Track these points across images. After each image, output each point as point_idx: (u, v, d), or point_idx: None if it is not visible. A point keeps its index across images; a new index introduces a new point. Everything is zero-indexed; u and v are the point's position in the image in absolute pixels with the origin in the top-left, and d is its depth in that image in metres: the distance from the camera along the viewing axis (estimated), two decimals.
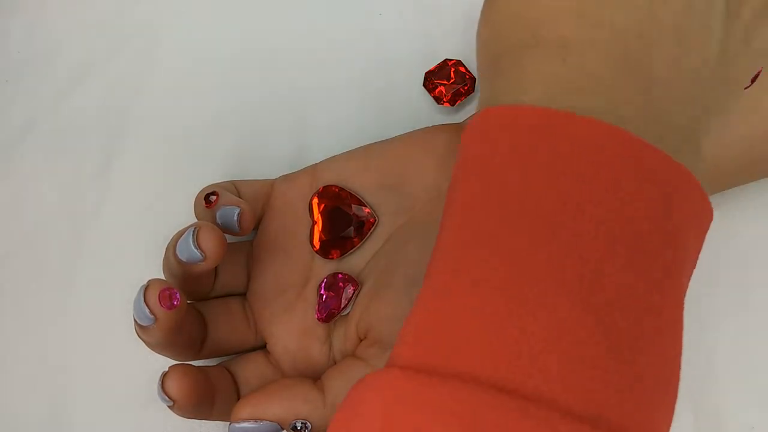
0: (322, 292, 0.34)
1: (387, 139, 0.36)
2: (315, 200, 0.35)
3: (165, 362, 0.32)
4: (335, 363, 0.34)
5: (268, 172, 0.38)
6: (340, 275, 0.34)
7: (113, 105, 0.42)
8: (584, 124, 0.23)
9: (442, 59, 0.40)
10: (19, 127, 0.42)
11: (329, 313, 0.34)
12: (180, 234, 0.32)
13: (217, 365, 0.35)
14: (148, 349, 0.32)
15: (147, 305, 0.29)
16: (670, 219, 0.23)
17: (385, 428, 0.21)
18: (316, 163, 0.37)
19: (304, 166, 0.37)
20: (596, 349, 0.21)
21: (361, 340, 0.33)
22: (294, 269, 0.35)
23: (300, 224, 0.36)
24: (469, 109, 0.40)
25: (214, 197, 0.34)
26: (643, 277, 0.22)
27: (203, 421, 0.35)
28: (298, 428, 0.31)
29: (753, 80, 0.32)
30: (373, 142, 0.37)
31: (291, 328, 0.34)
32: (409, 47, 0.42)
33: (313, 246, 0.35)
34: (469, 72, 0.40)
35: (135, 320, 0.30)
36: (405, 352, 0.23)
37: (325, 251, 0.35)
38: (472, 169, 0.25)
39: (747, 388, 0.36)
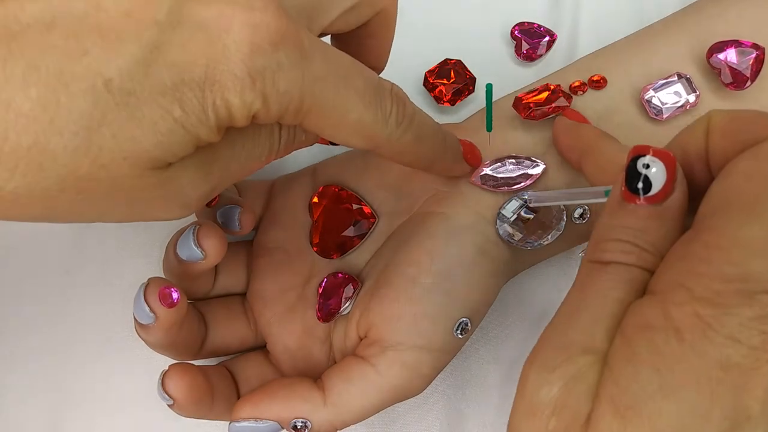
0: (321, 291, 0.34)
1: None
2: (315, 200, 0.35)
3: (165, 361, 0.32)
4: (335, 362, 0.34)
5: (268, 172, 0.38)
6: (340, 275, 0.34)
7: None
8: None
9: (442, 59, 0.40)
10: None
11: (329, 312, 0.34)
12: (180, 233, 0.32)
13: (217, 365, 0.35)
14: (149, 348, 0.32)
15: (147, 303, 0.29)
16: None
17: None
18: (316, 163, 0.37)
19: (303, 166, 0.37)
20: None
21: (361, 340, 0.33)
22: (294, 269, 0.35)
23: (300, 224, 0.36)
24: (469, 109, 0.40)
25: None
26: None
27: (203, 420, 0.35)
28: (298, 427, 0.31)
29: (753, 79, 0.32)
30: None
31: (291, 328, 0.34)
32: (409, 47, 0.42)
33: (313, 246, 0.35)
34: (469, 72, 0.40)
35: (135, 319, 0.30)
36: None
37: (325, 251, 0.35)
38: None
39: None
